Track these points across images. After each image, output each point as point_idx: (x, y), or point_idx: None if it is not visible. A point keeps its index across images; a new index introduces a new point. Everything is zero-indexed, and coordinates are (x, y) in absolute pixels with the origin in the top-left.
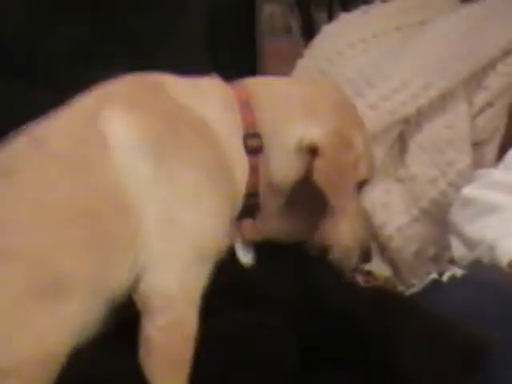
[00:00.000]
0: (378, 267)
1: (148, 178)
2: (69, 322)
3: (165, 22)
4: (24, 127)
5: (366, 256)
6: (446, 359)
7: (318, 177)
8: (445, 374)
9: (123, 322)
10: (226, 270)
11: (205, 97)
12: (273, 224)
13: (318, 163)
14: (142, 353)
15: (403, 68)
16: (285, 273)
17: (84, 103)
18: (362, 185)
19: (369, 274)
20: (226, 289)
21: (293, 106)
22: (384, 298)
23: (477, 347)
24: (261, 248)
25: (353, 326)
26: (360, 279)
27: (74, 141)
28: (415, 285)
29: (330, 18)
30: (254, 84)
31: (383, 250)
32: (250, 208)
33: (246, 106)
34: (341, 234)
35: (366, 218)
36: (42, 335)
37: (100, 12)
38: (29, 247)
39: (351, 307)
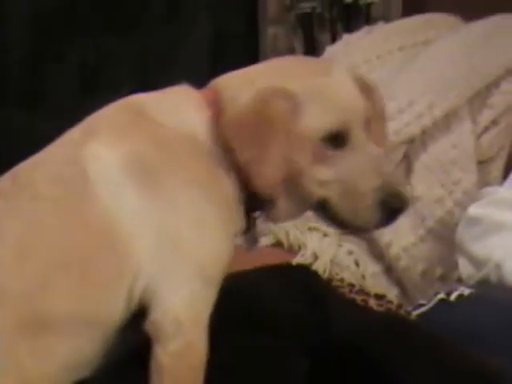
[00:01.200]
0: (385, 287)
1: (139, 206)
2: (59, 360)
3: (168, 47)
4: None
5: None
6: None
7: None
8: None
9: (135, 349)
10: (233, 292)
11: (181, 110)
12: (282, 210)
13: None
14: (155, 379)
15: (407, 88)
16: (294, 296)
17: (69, 138)
18: (335, 139)
19: (382, 297)
20: (233, 312)
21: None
22: (395, 325)
23: (488, 377)
24: (269, 271)
25: (362, 354)
26: (373, 302)
27: (57, 180)
28: (423, 305)
29: (334, 39)
30: (221, 81)
31: (390, 269)
32: (257, 205)
33: (214, 105)
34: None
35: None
36: (27, 375)
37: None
38: (16, 287)
39: (361, 334)
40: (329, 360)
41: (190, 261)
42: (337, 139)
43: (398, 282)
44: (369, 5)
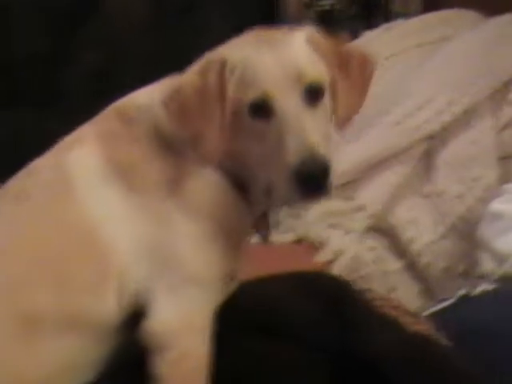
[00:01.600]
0: (406, 284)
1: (122, 211)
2: (54, 360)
3: (184, 45)
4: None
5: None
6: None
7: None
8: None
9: (133, 359)
10: (255, 300)
11: (153, 104)
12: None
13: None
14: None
15: (426, 85)
16: (320, 309)
17: (61, 145)
18: (259, 110)
19: (415, 315)
20: (253, 320)
21: None
22: (427, 352)
23: None
24: (295, 279)
25: (385, 373)
26: (405, 320)
27: (43, 184)
28: (445, 300)
29: (354, 36)
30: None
31: (412, 266)
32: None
33: None
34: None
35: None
36: (24, 375)
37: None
38: (4, 281)
39: (389, 356)
40: (352, 377)
41: (180, 265)
42: (261, 110)
43: (420, 279)
44: (388, 2)
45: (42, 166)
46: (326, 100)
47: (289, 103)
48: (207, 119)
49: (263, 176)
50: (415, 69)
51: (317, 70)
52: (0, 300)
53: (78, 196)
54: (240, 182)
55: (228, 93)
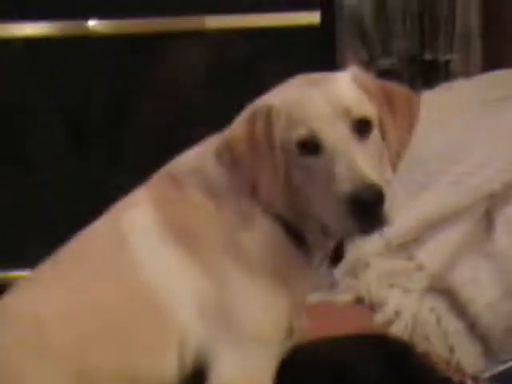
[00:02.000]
0: (467, 345)
1: (180, 272)
2: None
3: (248, 101)
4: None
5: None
6: None
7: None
8: None
9: None
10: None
11: (204, 165)
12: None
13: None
14: None
15: (488, 143)
16: (388, 374)
17: (114, 208)
18: (308, 147)
19: (478, 379)
20: (315, 377)
21: None
22: None
23: None
24: (363, 343)
25: None
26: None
27: (101, 247)
28: (506, 362)
29: None
30: None
31: (473, 326)
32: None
33: None
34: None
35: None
36: None
37: None
38: (63, 345)
39: None
40: None
41: (240, 324)
42: (309, 147)
43: (482, 339)
44: (447, 61)
45: (99, 229)
46: (376, 134)
47: (336, 136)
48: (260, 166)
49: (317, 213)
50: (477, 127)
51: (363, 105)
52: (61, 358)
53: (136, 258)
54: (296, 231)
55: (276, 137)
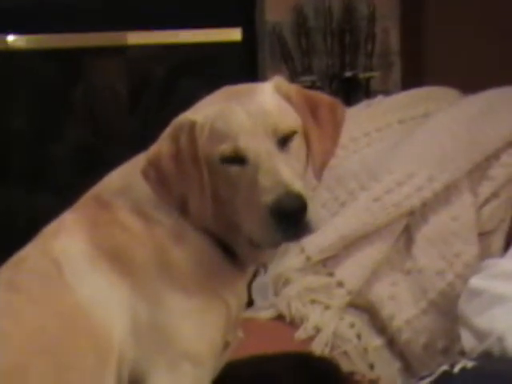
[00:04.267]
0: (387, 361)
1: (111, 294)
2: None
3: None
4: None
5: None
6: None
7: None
8: None
9: None
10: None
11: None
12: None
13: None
14: None
15: (407, 161)
16: None
17: (44, 233)
18: (233, 160)
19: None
20: None
21: None
22: None
23: None
24: (289, 361)
25: None
26: None
27: (33, 272)
28: (425, 377)
29: None
30: None
31: (392, 342)
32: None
33: None
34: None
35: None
36: None
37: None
38: (5, 369)
39: None
40: None
41: (175, 342)
42: (234, 159)
43: (401, 355)
44: (368, 79)
45: (29, 256)
46: (298, 143)
47: (259, 149)
48: (187, 182)
49: (244, 224)
50: (396, 145)
51: (286, 115)
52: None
53: (68, 284)
54: (227, 244)
55: (200, 151)
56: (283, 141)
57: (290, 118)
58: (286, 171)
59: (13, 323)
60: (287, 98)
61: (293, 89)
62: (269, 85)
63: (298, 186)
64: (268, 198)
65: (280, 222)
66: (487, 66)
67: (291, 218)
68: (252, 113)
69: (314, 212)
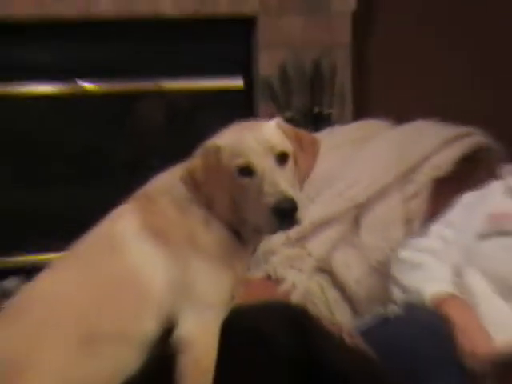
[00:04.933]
0: (342, 309)
1: (156, 259)
2: (104, 367)
3: (188, 148)
4: None
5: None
6: None
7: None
8: None
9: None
10: (242, 323)
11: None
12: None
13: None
14: (178, 378)
15: (355, 170)
16: (290, 330)
17: (108, 218)
18: (244, 172)
19: (350, 333)
20: (243, 333)
21: None
22: (364, 361)
23: None
24: (271, 308)
25: (339, 377)
26: (346, 336)
27: (101, 245)
28: (369, 320)
29: None
30: None
31: (346, 296)
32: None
33: None
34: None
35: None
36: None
37: None
38: (75, 312)
39: (339, 363)
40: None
41: (198, 294)
42: (244, 172)
43: (352, 305)
44: (329, 114)
45: (98, 234)
46: (291, 164)
47: (264, 165)
48: (213, 187)
49: (251, 218)
50: (348, 158)
51: (283, 143)
52: (71, 325)
53: (123, 252)
54: (236, 230)
55: (222, 167)
56: (281, 161)
57: (284, 145)
58: (283, 182)
59: (82, 279)
60: (284, 133)
61: (288, 127)
62: (273, 123)
63: (291, 192)
64: (270, 201)
65: (278, 218)
66: (415, 104)
67: (286, 215)
68: (259, 140)
69: (301, 211)
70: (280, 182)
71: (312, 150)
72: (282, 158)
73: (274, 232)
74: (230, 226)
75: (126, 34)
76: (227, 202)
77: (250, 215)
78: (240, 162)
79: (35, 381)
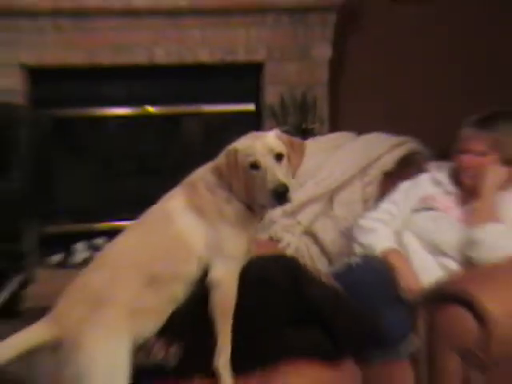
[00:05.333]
0: (321, 261)
1: (196, 227)
2: (164, 297)
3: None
4: None
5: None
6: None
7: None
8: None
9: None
10: (253, 270)
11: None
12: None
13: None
14: (210, 307)
15: (329, 167)
16: (286, 273)
17: (163, 199)
18: (254, 167)
19: (327, 275)
20: (252, 281)
21: None
22: (337, 294)
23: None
24: (273, 258)
25: (318, 303)
26: (324, 278)
27: (156, 217)
28: (339, 266)
29: None
30: None
31: (324, 251)
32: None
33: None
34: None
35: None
36: (148, 306)
37: None
38: (139, 261)
39: (319, 296)
40: (304, 307)
41: (225, 250)
42: (254, 166)
43: (327, 257)
44: (312, 128)
45: (155, 210)
46: (285, 161)
47: (267, 162)
48: (232, 178)
49: (258, 198)
50: (325, 158)
51: (279, 147)
52: (139, 269)
53: (174, 221)
54: (249, 206)
55: (239, 163)
56: (278, 159)
57: (280, 148)
58: (279, 173)
59: (145, 239)
60: (281, 139)
61: (283, 135)
62: (272, 133)
63: (285, 181)
64: (270, 186)
65: (276, 198)
66: (371, 122)
67: (281, 195)
68: (263, 145)
69: (292, 193)
70: (277, 173)
71: (300, 152)
72: (278, 157)
73: (273, 207)
74: (244, 203)
75: (176, 74)
76: (242, 186)
77: (257, 196)
78: (251, 159)
79: (111, 309)
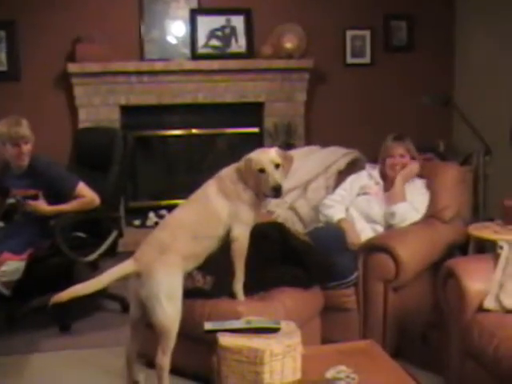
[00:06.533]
0: (290, 223)
1: (224, 205)
2: (203, 248)
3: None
4: None
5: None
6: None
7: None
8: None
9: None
10: (256, 232)
11: (231, 172)
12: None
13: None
14: (232, 253)
15: (305, 168)
16: (277, 233)
17: (204, 185)
18: (261, 171)
19: (304, 234)
20: (259, 234)
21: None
22: (308, 245)
23: (324, 266)
24: (269, 224)
25: (298, 251)
26: (300, 234)
27: (199, 198)
28: (310, 229)
29: None
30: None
31: (300, 219)
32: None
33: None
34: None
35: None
36: (194, 251)
37: None
38: (186, 223)
39: (298, 246)
40: (289, 253)
41: (242, 219)
42: (261, 171)
43: (304, 223)
44: (294, 143)
45: (199, 193)
46: (281, 168)
47: (270, 169)
48: (248, 176)
49: (263, 191)
50: (301, 163)
51: (278, 159)
52: (188, 232)
53: (210, 201)
54: (257, 195)
55: (252, 167)
56: (276, 167)
57: (278, 160)
58: (277, 177)
59: (191, 215)
60: (278, 154)
61: (280, 151)
62: (274, 149)
63: (280, 181)
64: (271, 184)
65: (274, 192)
66: (332, 139)
67: (277, 191)
68: (268, 157)
69: (284, 189)
70: (276, 177)
71: (290, 162)
72: (277, 166)
73: (272, 198)
74: (254, 193)
75: (210, 109)
76: (253, 183)
77: (262, 189)
78: (259, 166)
79: (171, 253)
